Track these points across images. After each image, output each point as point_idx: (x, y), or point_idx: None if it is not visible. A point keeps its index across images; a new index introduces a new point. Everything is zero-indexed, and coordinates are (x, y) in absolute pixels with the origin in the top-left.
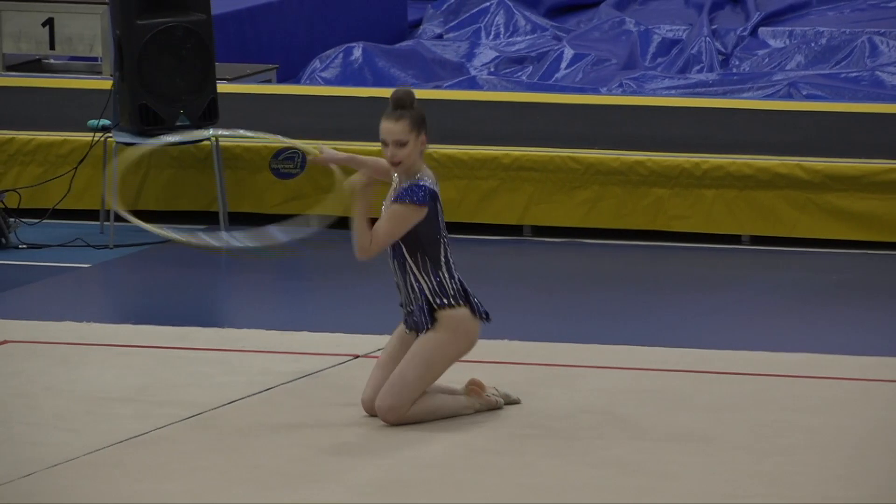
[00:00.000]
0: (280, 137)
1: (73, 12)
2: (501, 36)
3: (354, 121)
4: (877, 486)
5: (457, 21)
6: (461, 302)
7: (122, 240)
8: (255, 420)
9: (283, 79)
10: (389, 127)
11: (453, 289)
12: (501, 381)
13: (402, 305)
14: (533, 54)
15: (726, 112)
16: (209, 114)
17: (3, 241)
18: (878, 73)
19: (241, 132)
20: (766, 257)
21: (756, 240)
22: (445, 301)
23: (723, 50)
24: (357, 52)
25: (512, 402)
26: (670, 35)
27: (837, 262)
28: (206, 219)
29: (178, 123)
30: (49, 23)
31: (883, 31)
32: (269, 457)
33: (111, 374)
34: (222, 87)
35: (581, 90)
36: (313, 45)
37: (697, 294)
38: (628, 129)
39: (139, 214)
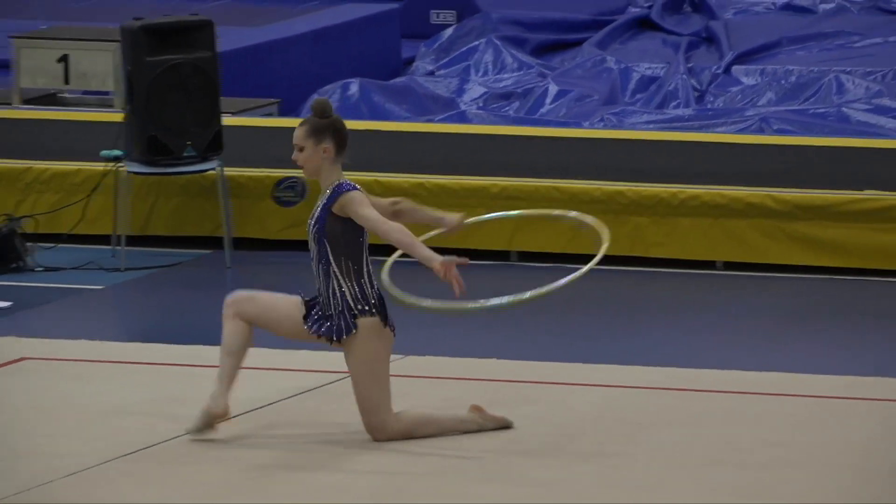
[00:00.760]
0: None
1: (86, 49)
2: (490, 73)
3: (350, 151)
4: (849, 500)
5: (448, 59)
6: (376, 311)
7: (133, 263)
8: (256, 433)
9: (284, 112)
10: (295, 130)
11: (374, 297)
12: (493, 399)
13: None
14: (519, 90)
15: (701, 145)
16: (214, 145)
17: (21, 264)
18: (844, 109)
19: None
20: (738, 282)
21: (729, 265)
22: (367, 308)
23: (698, 87)
24: (354, 88)
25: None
26: (649, 73)
27: (805, 286)
28: (211, 244)
29: (186, 154)
30: (64, 59)
31: (849, 69)
32: (269, 468)
33: (122, 390)
34: (227, 121)
35: (565, 124)
36: (313, 81)
37: (675, 316)
38: (609, 161)
39: (148, 240)
